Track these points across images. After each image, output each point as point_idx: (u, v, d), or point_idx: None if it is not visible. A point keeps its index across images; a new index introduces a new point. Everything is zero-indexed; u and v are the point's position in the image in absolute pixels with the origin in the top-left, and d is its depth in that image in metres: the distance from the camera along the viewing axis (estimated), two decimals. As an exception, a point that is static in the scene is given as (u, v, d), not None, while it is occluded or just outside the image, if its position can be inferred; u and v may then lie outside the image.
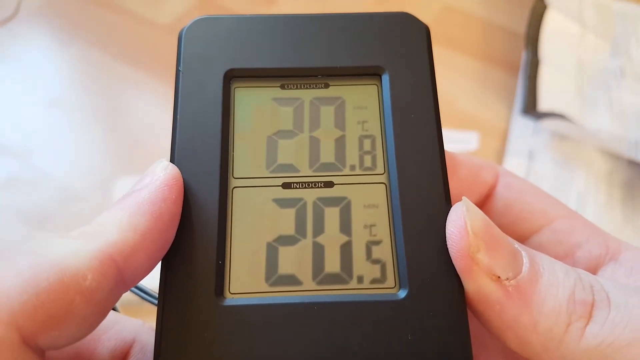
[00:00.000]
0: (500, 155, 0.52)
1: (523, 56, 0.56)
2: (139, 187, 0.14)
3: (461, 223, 0.13)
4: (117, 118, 0.55)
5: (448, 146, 0.16)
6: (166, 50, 0.61)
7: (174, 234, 0.14)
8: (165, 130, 0.55)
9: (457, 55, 0.60)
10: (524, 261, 0.14)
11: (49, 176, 0.50)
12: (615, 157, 0.51)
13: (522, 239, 0.18)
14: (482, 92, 0.57)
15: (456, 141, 0.52)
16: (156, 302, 0.13)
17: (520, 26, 0.60)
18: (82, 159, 0.51)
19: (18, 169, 0.50)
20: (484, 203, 0.19)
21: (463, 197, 0.14)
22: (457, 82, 0.58)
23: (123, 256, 0.13)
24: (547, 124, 0.51)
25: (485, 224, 0.14)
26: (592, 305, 0.14)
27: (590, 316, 0.13)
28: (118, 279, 0.13)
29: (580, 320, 0.13)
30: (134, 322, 0.17)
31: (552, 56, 0.57)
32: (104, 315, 0.13)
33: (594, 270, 0.17)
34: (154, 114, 0.55)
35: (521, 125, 0.53)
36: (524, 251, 0.14)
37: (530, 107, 0.52)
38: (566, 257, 0.18)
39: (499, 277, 0.13)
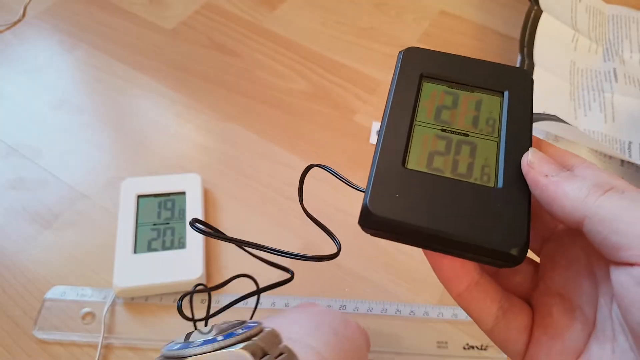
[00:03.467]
0: (495, 156, 0.53)
1: (518, 60, 0.58)
2: None
3: (526, 154, 0.24)
4: (123, 120, 0.56)
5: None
6: (171, 54, 0.62)
7: None
8: (168, 131, 0.56)
9: (454, 59, 0.62)
10: (567, 172, 0.23)
11: (56, 176, 0.51)
12: (607, 158, 0.52)
13: None
14: (477, 94, 0.58)
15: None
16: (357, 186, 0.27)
17: (515, 30, 0.62)
18: (88, 160, 0.53)
19: (26, 169, 0.52)
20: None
21: (530, 147, 0.25)
22: (454, 84, 0.59)
23: None
24: (541, 125, 0.53)
25: (540, 153, 0.24)
26: (608, 190, 0.21)
27: (604, 192, 0.21)
28: None
29: (597, 192, 0.21)
30: None
31: (546, 59, 0.58)
32: None
33: None
34: (158, 116, 0.57)
35: (516, 126, 0.54)
36: (569, 171, 0.23)
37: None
38: None
39: (546, 175, 0.23)
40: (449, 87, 0.28)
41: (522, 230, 0.23)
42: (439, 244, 0.23)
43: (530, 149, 0.25)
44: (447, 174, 0.25)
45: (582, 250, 0.24)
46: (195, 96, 0.58)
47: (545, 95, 0.55)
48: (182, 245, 0.45)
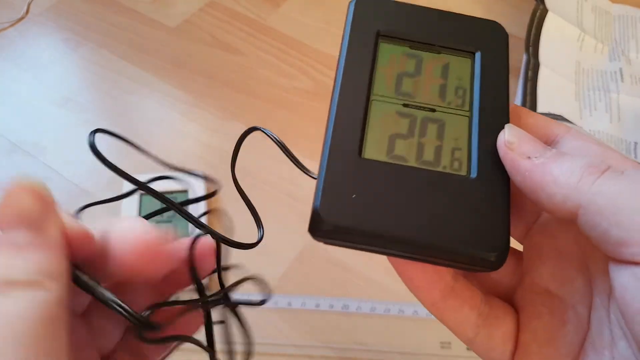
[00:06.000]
0: (500, 155, 0.53)
1: (523, 59, 0.57)
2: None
3: (503, 132, 0.20)
4: (126, 117, 0.56)
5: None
6: (174, 52, 0.62)
7: None
8: (172, 130, 0.56)
9: (459, 58, 0.61)
10: (553, 151, 0.19)
11: (60, 173, 0.51)
12: (613, 159, 0.52)
13: None
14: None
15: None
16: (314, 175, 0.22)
17: (521, 30, 0.61)
18: (91, 157, 0.52)
19: (29, 166, 0.52)
20: (548, 145, 0.22)
21: (507, 124, 0.21)
22: (459, 84, 0.59)
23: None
24: (546, 125, 0.52)
25: (519, 129, 0.20)
26: (605, 170, 0.18)
27: (601, 175, 0.17)
28: None
29: (592, 176, 0.17)
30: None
31: (551, 59, 0.58)
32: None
33: None
34: (161, 114, 0.57)
35: (521, 126, 0.54)
36: (555, 149, 0.19)
37: (530, 109, 0.53)
38: None
39: (528, 157, 0.19)
40: (410, 48, 0.23)
41: (501, 230, 0.19)
42: (405, 251, 0.20)
43: (507, 125, 0.21)
44: (412, 162, 0.21)
45: (574, 239, 0.21)
46: (199, 95, 0.58)
47: (551, 95, 0.55)
48: (184, 243, 0.45)
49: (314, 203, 0.20)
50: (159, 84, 0.59)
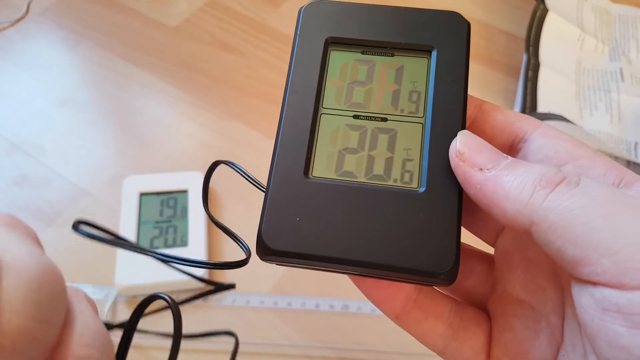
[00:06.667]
0: (500, 155, 0.53)
1: (523, 59, 0.57)
2: None
3: (455, 141, 0.19)
4: (126, 117, 0.56)
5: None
6: (174, 51, 0.62)
7: None
8: (171, 129, 0.56)
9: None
10: (507, 161, 0.18)
11: (59, 174, 0.51)
12: (613, 158, 0.52)
13: None
14: (482, 94, 0.58)
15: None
16: (263, 187, 0.21)
17: (521, 29, 0.61)
18: (91, 157, 0.53)
19: (29, 166, 0.52)
20: (516, 144, 0.21)
21: (460, 131, 0.19)
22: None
23: None
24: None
25: (472, 137, 0.19)
26: (559, 182, 0.17)
27: (554, 188, 0.16)
28: None
29: (544, 190, 0.17)
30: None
31: (552, 59, 0.58)
32: None
33: None
34: (161, 113, 0.57)
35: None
36: (510, 157, 0.18)
37: (530, 109, 0.53)
38: None
39: (480, 168, 0.18)
40: (362, 54, 0.22)
41: (449, 245, 0.19)
42: (353, 270, 0.19)
43: (460, 132, 0.19)
44: (361, 179, 0.20)
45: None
46: (199, 94, 0.58)
47: (551, 95, 0.55)
48: (184, 243, 0.45)
49: (259, 227, 0.19)
50: (159, 84, 0.59)
